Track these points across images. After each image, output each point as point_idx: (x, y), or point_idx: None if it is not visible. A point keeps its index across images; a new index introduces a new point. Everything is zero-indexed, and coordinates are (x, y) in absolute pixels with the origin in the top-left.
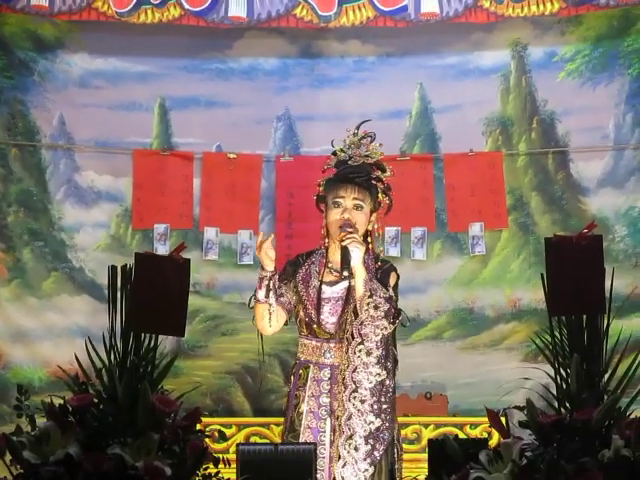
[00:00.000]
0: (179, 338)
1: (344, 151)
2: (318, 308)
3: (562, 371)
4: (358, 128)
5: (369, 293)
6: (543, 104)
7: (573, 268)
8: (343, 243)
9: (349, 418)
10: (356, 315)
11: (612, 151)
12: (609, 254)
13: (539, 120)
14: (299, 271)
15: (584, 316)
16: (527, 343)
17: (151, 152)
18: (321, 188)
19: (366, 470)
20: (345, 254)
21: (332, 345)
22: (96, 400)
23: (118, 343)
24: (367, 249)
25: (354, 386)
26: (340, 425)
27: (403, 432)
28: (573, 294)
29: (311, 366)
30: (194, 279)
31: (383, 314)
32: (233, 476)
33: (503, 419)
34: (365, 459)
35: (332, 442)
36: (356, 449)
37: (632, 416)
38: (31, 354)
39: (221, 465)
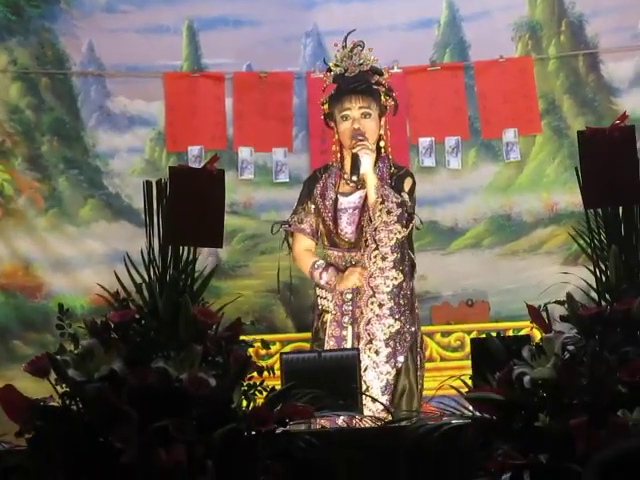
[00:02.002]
0: (219, 258)
1: (338, 65)
2: (335, 219)
3: (601, 264)
4: (346, 40)
5: (381, 199)
6: (571, 6)
7: (607, 160)
8: (353, 150)
9: (367, 323)
10: (370, 222)
11: None
12: None
13: (568, 23)
14: (317, 186)
15: (620, 208)
16: (566, 246)
17: (181, 75)
18: (325, 106)
19: (388, 372)
20: (355, 161)
21: (354, 254)
22: (137, 316)
23: (157, 258)
24: (381, 155)
25: (371, 291)
26: (360, 331)
27: (446, 340)
28: (607, 186)
29: None
30: (231, 199)
31: (396, 219)
32: (278, 385)
33: (544, 314)
34: (387, 362)
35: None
36: (377, 353)
37: None
38: (72, 282)
39: (265, 374)
